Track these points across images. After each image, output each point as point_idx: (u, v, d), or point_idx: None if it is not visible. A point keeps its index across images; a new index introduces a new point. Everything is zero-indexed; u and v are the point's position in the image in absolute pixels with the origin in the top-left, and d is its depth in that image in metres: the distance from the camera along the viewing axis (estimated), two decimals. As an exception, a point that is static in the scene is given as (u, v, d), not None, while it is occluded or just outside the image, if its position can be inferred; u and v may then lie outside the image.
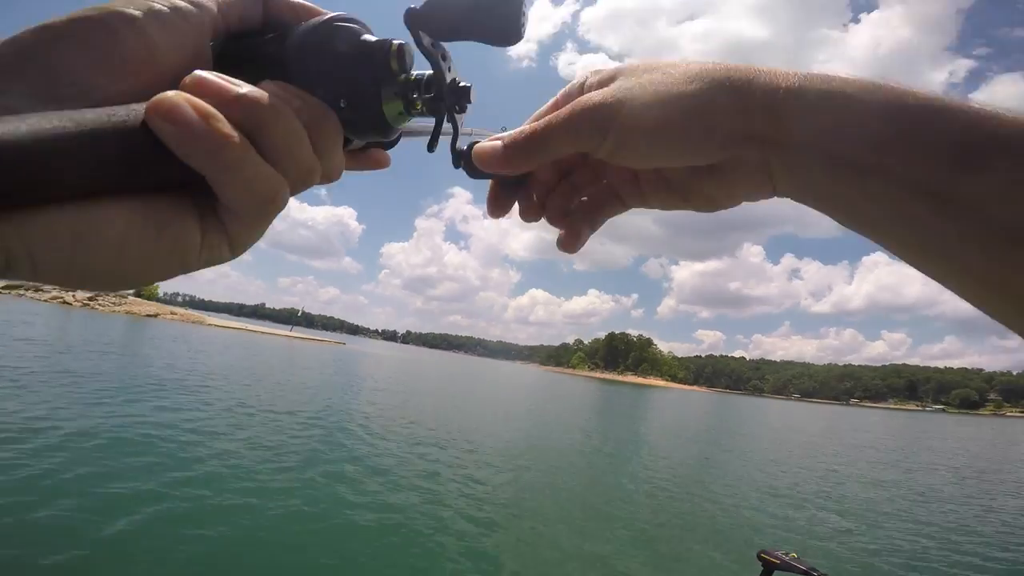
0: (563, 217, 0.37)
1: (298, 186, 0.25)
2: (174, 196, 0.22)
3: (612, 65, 0.34)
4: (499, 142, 0.32)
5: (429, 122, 0.32)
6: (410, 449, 8.07)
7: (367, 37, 0.27)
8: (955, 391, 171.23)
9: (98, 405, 7.95)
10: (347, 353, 44.95)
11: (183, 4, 0.24)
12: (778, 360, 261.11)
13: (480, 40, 0.29)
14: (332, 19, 0.27)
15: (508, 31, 0.28)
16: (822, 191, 0.28)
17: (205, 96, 0.21)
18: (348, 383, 18.30)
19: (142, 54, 0.22)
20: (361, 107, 0.27)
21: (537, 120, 0.32)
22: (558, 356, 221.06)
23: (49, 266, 0.18)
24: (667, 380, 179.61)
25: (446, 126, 0.32)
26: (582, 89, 0.33)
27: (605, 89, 0.30)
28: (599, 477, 8.52)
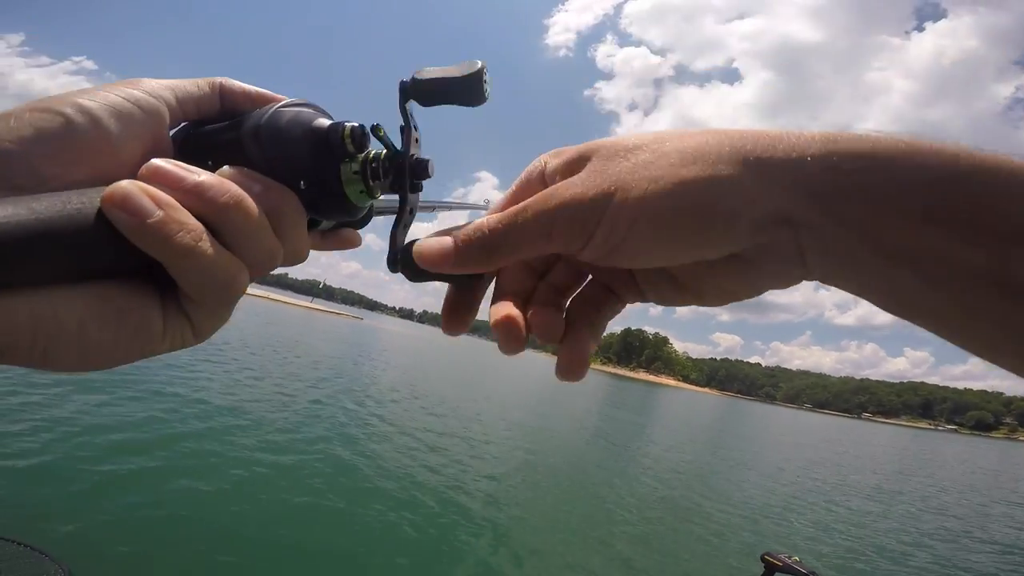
0: (554, 330, 0.29)
1: (259, 269, 0.24)
2: (135, 283, 0.22)
3: (572, 148, 0.28)
4: (448, 238, 0.28)
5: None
6: (411, 431, 8.18)
7: (321, 120, 0.28)
8: (970, 412, 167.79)
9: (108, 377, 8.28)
10: (363, 328, 45.71)
11: (141, 95, 0.24)
12: (794, 369, 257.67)
13: (456, 104, 0.31)
14: (286, 104, 0.28)
15: (476, 96, 0.30)
16: (866, 277, 0.24)
17: (162, 184, 0.21)
18: (360, 358, 18.63)
19: (99, 144, 0.22)
20: (322, 187, 0.28)
21: (498, 212, 0.28)
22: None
23: (11, 350, 0.18)
24: (679, 380, 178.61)
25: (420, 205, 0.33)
26: (543, 177, 0.29)
27: (580, 178, 0.26)
28: (602, 472, 8.60)
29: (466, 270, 0.28)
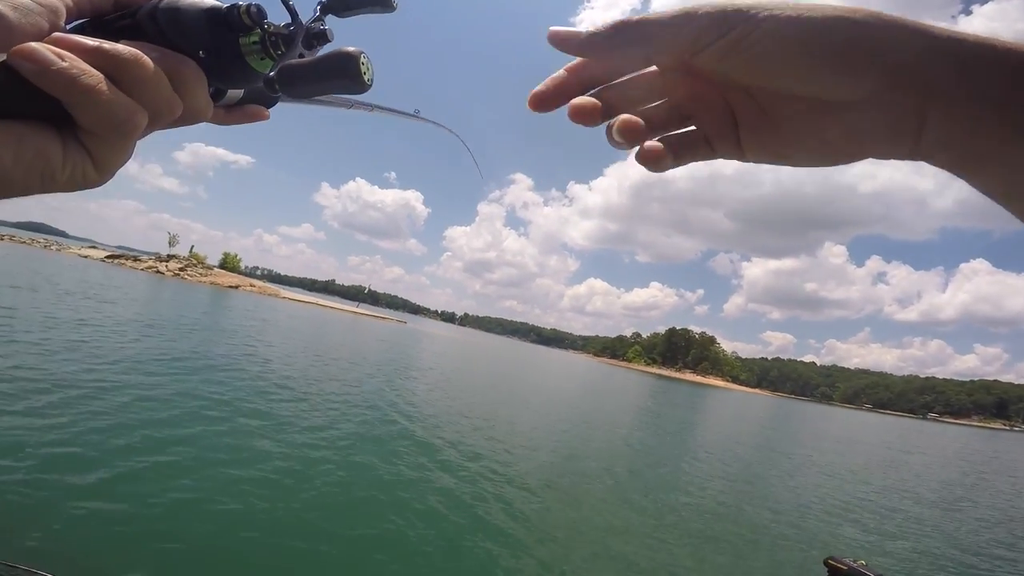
0: (638, 131, 0.31)
1: (159, 117, 0.29)
2: (35, 122, 0.25)
3: None
4: (582, 28, 0.31)
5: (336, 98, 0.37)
6: (454, 429, 8.28)
7: (215, 2, 0.32)
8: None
9: (175, 372, 8.77)
10: (407, 331, 46.61)
11: None
12: (852, 368, 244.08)
13: (366, 11, 0.36)
14: None
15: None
16: (992, 158, 0.25)
17: (63, 48, 0.25)
18: (404, 359, 19.02)
19: (2, 35, 0.26)
20: (221, 55, 0.31)
21: None
22: (613, 348, 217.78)
23: None
24: (727, 381, 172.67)
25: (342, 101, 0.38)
26: None
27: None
28: (654, 475, 8.41)
29: (590, 52, 0.30)
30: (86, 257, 48.62)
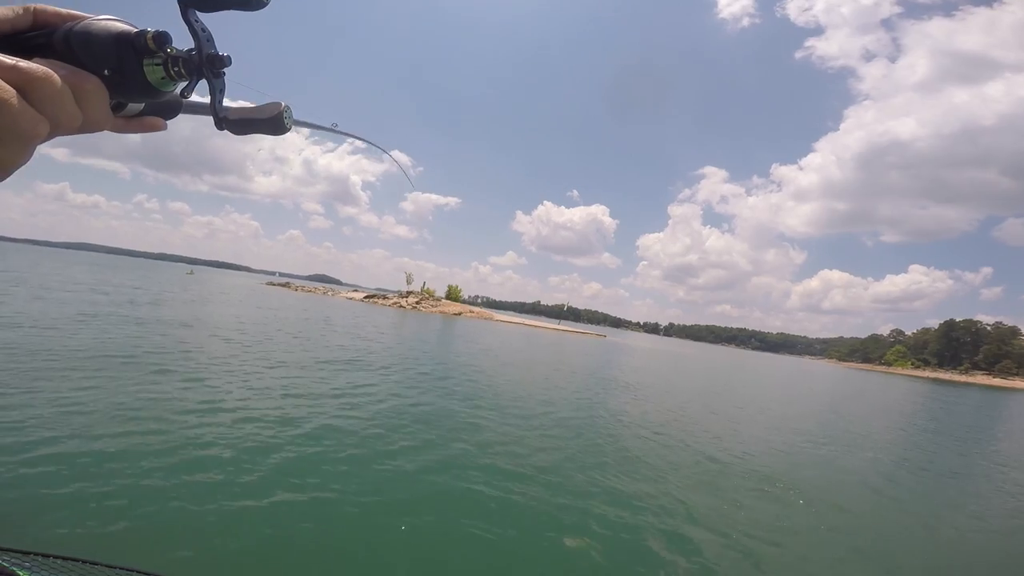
0: None
1: (61, 127, 0.32)
2: None
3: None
4: None
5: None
6: (664, 447, 7.72)
7: (125, 27, 0.37)
8: None
9: (414, 387, 10.25)
10: (606, 344, 46.56)
11: None
12: None
13: (235, 8, 0.40)
14: (99, 18, 0.37)
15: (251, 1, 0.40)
16: None
17: None
18: (604, 371, 18.92)
19: None
20: (125, 73, 0.36)
21: None
22: (865, 350, 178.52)
23: None
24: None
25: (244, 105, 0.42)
26: None
27: None
28: (947, 499, 6.60)
29: None
30: (350, 299, 61.67)
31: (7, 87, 0.29)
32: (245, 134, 0.41)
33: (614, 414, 9.42)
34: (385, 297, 66.06)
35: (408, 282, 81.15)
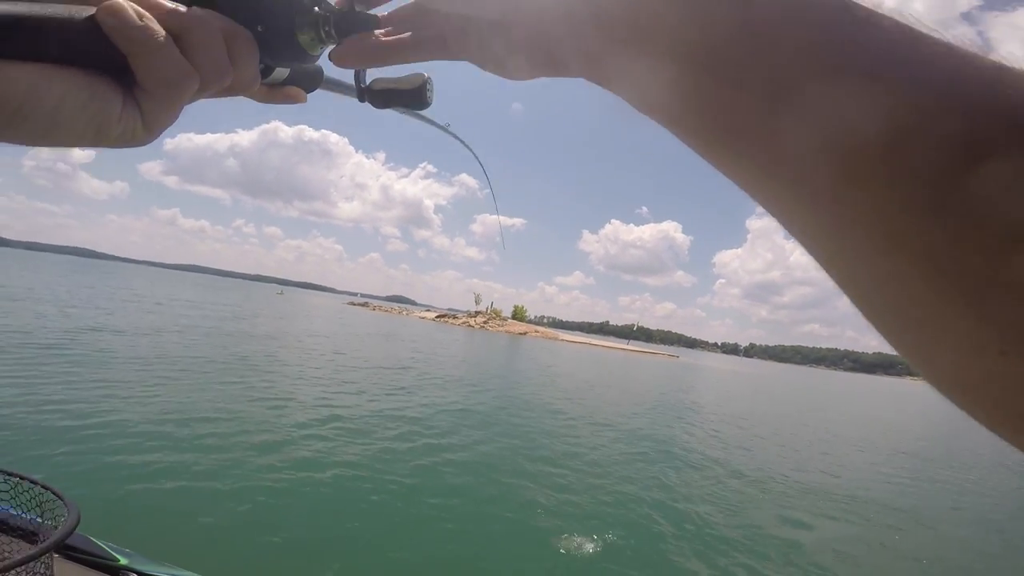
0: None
1: (209, 81, 0.31)
2: (105, 76, 0.28)
3: None
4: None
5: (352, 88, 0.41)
6: (733, 480, 7.58)
7: None
8: None
9: (472, 404, 10.95)
10: (678, 366, 45.07)
11: None
12: None
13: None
14: None
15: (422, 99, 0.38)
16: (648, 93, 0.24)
17: (143, 7, 0.28)
18: (675, 397, 18.64)
19: None
20: (276, 31, 0.34)
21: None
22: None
23: (5, 110, 0.24)
24: None
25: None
26: None
27: None
28: None
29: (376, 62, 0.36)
30: (423, 318, 64.46)
31: (161, 31, 0.27)
32: (387, 107, 0.39)
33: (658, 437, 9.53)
34: (455, 317, 68.56)
35: (476, 302, 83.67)
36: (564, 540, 4.12)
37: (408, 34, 0.35)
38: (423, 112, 0.42)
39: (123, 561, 1.02)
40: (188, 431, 5.37)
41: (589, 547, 4.09)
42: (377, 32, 0.35)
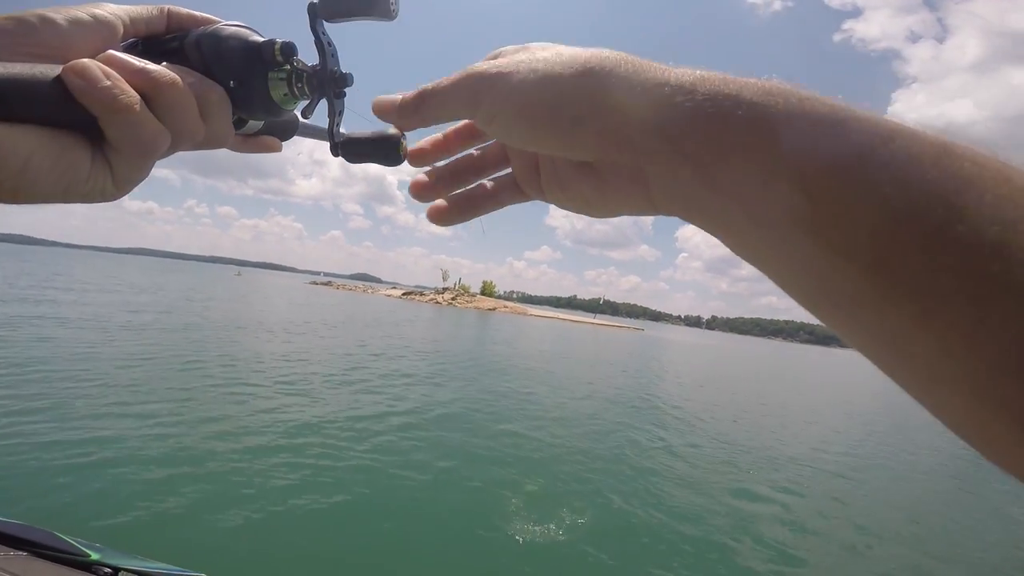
0: (448, 184, 0.37)
1: (183, 140, 0.30)
2: (74, 133, 0.27)
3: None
4: (398, 96, 0.33)
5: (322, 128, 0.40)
6: (703, 446, 7.74)
7: (255, 37, 0.34)
8: None
9: (452, 379, 10.73)
10: (642, 338, 46.09)
11: (98, 11, 0.31)
12: None
13: (365, 18, 0.35)
14: (227, 24, 0.35)
15: (382, 9, 0.34)
16: (706, 210, 0.25)
17: (112, 67, 0.27)
18: (636, 367, 18.95)
19: (56, 41, 0.29)
20: (249, 87, 0.33)
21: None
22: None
23: None
24: None
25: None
26: None
27: (495, 60, 0.30)
28: None
29: (403, 123, 0.34)
30: (389, 296, 63.41)
31: (132, 93, 0.27)
32: (360, 162, 0.38)
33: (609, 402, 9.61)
34: (422, 294, 67.58)
35: (444, 279, 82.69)
36: (517, 514, 4.00)
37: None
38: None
39: (94, 556, 0.99)
40: (137, 421, 4.96)
41: (544, 520, 3.96)
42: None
